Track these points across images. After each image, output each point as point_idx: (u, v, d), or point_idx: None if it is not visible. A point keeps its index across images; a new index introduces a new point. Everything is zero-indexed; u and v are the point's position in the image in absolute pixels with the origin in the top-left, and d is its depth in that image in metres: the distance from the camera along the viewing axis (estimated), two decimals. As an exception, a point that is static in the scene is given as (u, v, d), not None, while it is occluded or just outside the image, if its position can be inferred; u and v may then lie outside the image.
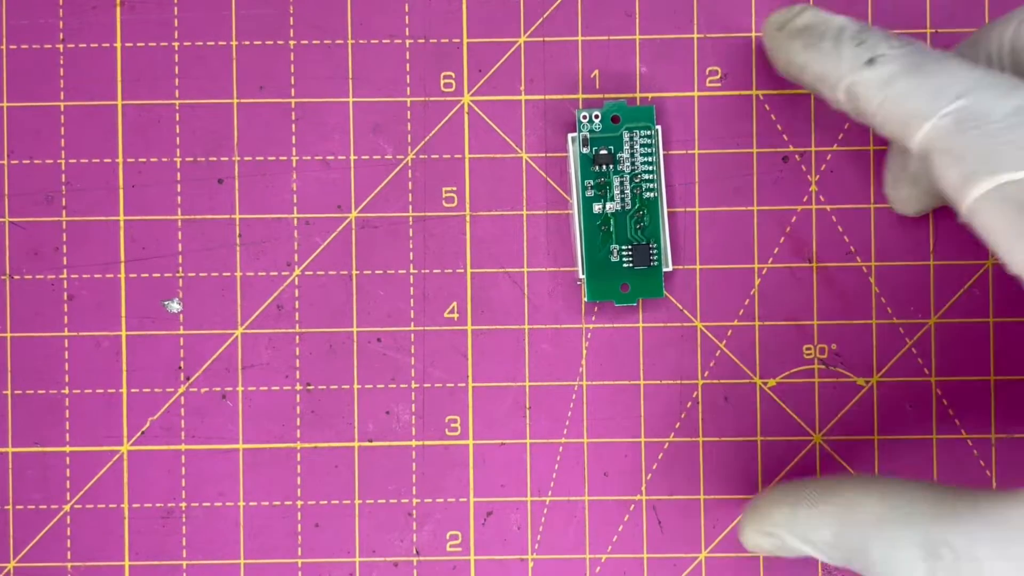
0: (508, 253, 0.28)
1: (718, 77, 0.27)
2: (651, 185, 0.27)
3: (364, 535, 0.28)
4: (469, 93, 0.28)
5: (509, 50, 0.28)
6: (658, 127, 0.27)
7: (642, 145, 0.27)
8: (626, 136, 0.27)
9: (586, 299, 0.27)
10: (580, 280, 0.27)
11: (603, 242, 0.27)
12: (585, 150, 0.27)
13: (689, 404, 0.28)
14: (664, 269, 0.27)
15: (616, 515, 0.27)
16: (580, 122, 0.27)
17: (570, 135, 0.27)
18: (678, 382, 0.28)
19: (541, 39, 0.28)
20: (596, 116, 0.27)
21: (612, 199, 0.27)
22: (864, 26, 0.24)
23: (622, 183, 0.27)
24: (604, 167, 0.27)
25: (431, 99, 0.28)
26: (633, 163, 0.27)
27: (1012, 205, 0.20)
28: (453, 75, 0.28)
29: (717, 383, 0.28)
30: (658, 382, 0.28)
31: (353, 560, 0.28)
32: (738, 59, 0.27)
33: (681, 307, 0.28)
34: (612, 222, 0.27)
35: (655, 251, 0.27)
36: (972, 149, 0.21)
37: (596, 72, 0.27)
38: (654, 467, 0.28)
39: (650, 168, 0.27)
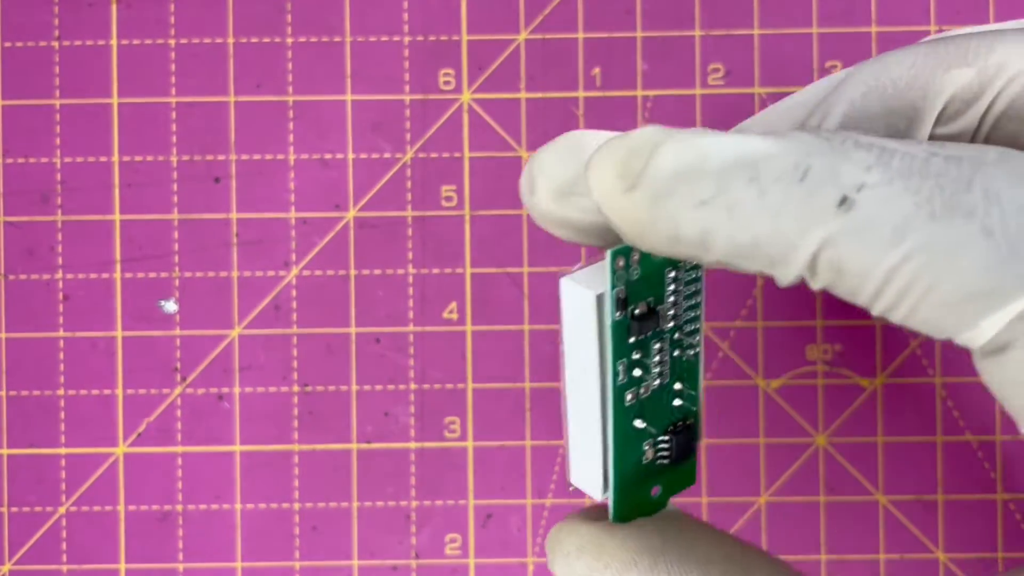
0: (508, 253, 0.27)
1: (720, 75, 0.27)
2: (694, 339, 0.18)
3: (363, 538, 0.27)
4: (469, 91, 0.27)
5: (509, 47, 0.27)
6: None
7: (687, 283, 0.17)
8: (670, 276, 0.17)
9: (612, 519, 0.18)
10: (574, 488, 0.18)
11: (636, 443, 0.17)
12: (619, 315, 0.16)
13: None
14: (699, 444, 0.19)
15: (617, 518, 0.27)
16: (614, 270, 0.16)
17: (590, 294, 0.16)
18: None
19: (541, 36, 0.27)
20: (637, 254, 0.16)
21: (649, 376, 0.17)
22: (789, 136, 0.14)
23: (662, 349, 0.17)
24: (646, 334, 0.17)
25: (430, 97, 0.27)
26: (675, 314, 0.17)
27: None
28: (452, 72, 0.27)
29: (719, 384, 0.27)
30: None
31: (351, 563, 0.27)
32: (741, 56, 0.27)
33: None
34: (645, 410, 0.17)
35: (694, 427, 0.18)
36: None
37: (597, 70, 0.27)
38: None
39: (695, 312, 0.18)
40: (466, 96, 0.27)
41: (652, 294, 0.17)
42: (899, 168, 0.13)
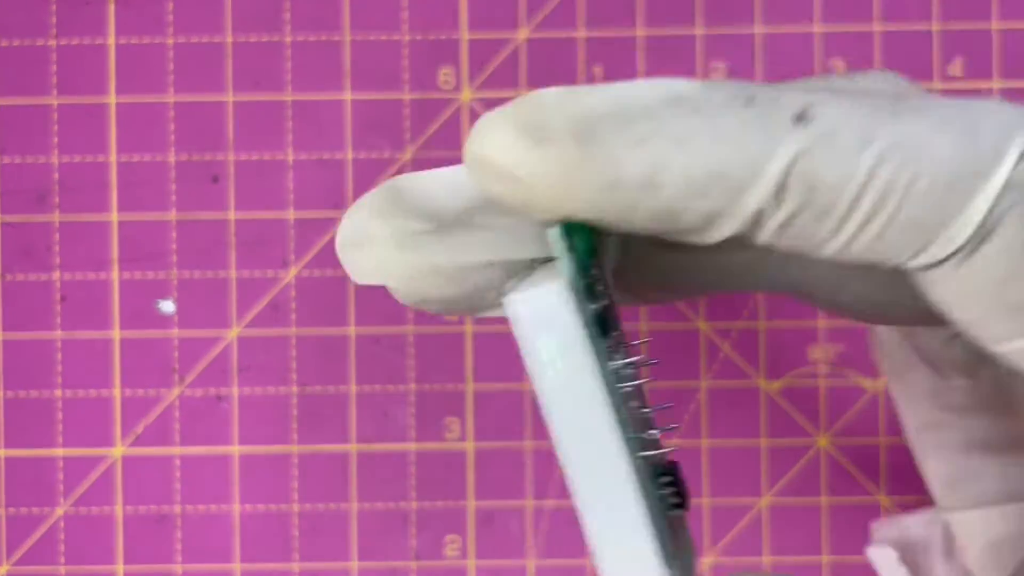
0: (508, 253, 0.27)
1: (722, 73, 0.27)
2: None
3: (362, 539, 0.27)
4: (468, 90, 0.27)
5: (509, 46, 0.27)
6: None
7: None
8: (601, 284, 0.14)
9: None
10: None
11: (655, 497, 0.13)
12: (594, 305, 0.13)
13: (692, 406, 0.27)
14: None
15: (618, 519, 0.27)
16: (564, 252, 0.13)
17: (554, 288, 0.13)
18: (680, 384, 0.27)
19: (542, 35, 0.27)
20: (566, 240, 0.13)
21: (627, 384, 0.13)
22: (707, 81, 0.13)
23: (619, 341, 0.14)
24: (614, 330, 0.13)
25: (429, 96, 0.27)
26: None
27: None
28: (452, 71, 0.27)
29: (720, 385, 0.27)
30: (660, 384, 0.27)
31: (350, 565, 0.27)
32: (742, 54, 0.27)
33: (683, 307, 0.27)
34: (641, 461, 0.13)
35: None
36: None
37: (598, 68, 0.27)
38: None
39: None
40: (466, 95, 0.27)
41: (600, 280, 0.13)
42: (831, 97, 0.13)
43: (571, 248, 0.13)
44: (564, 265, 0.13)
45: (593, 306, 0.13)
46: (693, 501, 0.27)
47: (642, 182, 0.13)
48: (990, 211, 0.13)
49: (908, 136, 0.13)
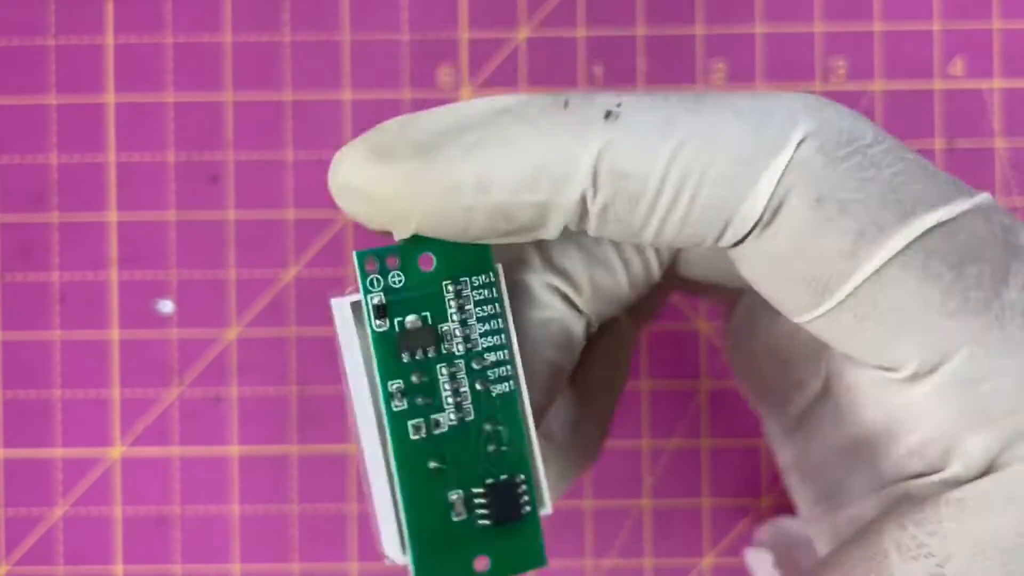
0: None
1: (722, 73, 0.27)
2: (502, 370, 0.16)
3: (361, 540, 0.27)
4: (468, 89, 0.27)
5: (509, 45, 0.27)
6: (498, 266, 0.16)
7: (480, 303, 0.16)
8: (449, 291, 0.16)
9: None
10: (389, 559, 0.15)
11: (435, 489, 0.15)
12: (381, 325, 0.15)
13: (691, 407, 0.27)
14: (542, 513, 0.16)
15: (617, 520, 0.27)
16: (364, 274, 0.15)
17: (345, 302, 0.15)
18: (680, 384, 0.27)
19: (542, 34, 0.27)
20: (394, 260, 0.15)
21: (442, 408, 0.15)
22: (528, 94, 0.15)
23: (454, 375, 0.15)
24: (422, 353, 0.15)
25: (429, 95, 0.27)
26: (468, 336, 0.15)
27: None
28: (451, 70, 0.27)
29: (720, 385, 0.27)
30: (659, 383, 0.27)
31: (350, 566, 0.27)
32: (743, 54, 0.27)
33: (684, 307, 0.27)
34: (448, 452, 0.15)
35: (525, 487, 0.15)
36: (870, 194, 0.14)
37: (599, 68, 0.27)
38: (656, 471, 0.27)
39: (497, 340, 0.16)
40: (465, 94, 0.27)
41: (429, 309, 0.15)
42: (640, 97, 0.15)
43: (364, 273, 0.15)
44: (359, 286, 0.15)
45: (377, 323, 0.15)
46: (692, 501, 0.27)
47: (477, 183, 0.14)
48: (775, 189, 0.14)
49: (705, 126, 0.14)
